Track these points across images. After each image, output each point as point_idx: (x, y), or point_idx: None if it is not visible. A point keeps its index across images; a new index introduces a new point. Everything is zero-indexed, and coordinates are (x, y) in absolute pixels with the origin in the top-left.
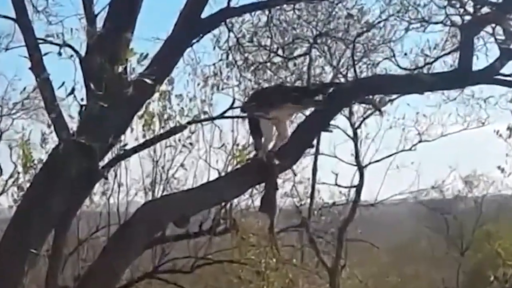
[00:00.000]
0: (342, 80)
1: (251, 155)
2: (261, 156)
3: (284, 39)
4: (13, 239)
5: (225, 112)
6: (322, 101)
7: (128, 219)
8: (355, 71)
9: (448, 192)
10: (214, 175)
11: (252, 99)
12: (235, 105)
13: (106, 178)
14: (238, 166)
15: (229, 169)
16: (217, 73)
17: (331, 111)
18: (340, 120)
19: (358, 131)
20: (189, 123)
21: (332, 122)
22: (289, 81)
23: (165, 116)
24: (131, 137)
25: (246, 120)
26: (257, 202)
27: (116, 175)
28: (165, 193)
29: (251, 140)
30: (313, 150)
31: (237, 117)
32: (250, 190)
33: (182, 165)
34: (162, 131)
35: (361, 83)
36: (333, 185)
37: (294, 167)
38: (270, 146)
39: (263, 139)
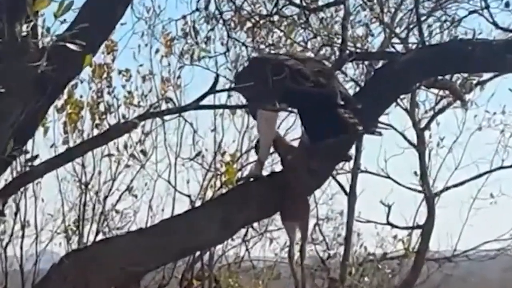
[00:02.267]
0: (399, 47)
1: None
2: (255, 171)
3: None
4: None
5: (201, 97)
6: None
7: (38, 281)
8: (420, 32)
9: None
10: (183, 206)
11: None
12: (219, 87)
13: (2, 214)
14: (224, 189)
15: (209, 195)
16: (189, 33)
17: (380, 100)
18: (396, 115)
19: (426, 134)
20: (141, 117)
21: (381, 119)
22: (310, 48)
23: (102, 107)
24: (45, 143)
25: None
26: (255, 251)
27: (18, 209)
28: (100, 237)
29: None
30: (349, 165)
31: (223, 107)
32: (243, 230)
33: (129, 189)
34: (96, 132)
35: (431, 54)
36: (383, 224)
37: (318, 192)
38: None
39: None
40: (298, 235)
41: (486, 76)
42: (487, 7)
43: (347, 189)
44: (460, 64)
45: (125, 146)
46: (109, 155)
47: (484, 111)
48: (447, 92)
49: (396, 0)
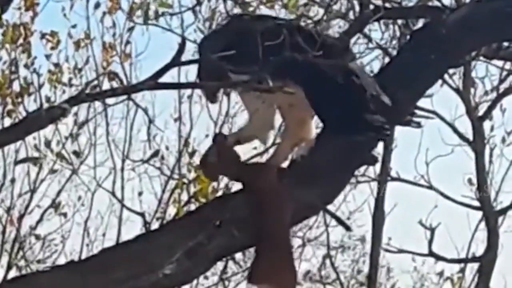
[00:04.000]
0: (448, 0)
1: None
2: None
3: None
4: None
5: (160, 72)
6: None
7: None
8: None
9: None
10: (133, 230)
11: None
12: (186, 57)
13: None
14: (193, 205)
15: (171, 213)
16: None
17: (419, 76)
18: (442, 98)
19: (486, 126)
20: (73, 101)
21: (421, 104)
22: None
23: (16, 86)
24: None
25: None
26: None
27: None
28: (13, 273)
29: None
30: (375, 170)
31: (192, 85)
32: (221, 264)
33: (55, 205)
34: (7, 122)
35: (494, 10)
36: (423, 255)
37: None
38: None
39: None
40: None
41: None
42: None
43: (372, 204)
44: None
45: (48, 143)
46: (26, 160)
47: None
48: None
49: None
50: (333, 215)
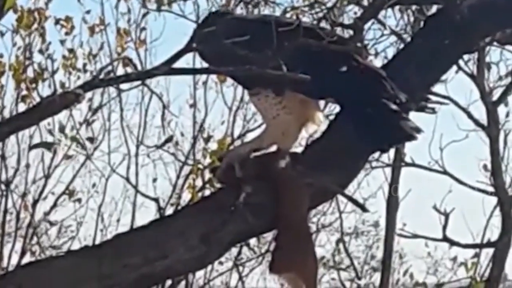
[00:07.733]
0: None
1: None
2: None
3: None
4: None
5: (175, 58)
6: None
7: None
8: None
9: None
10: (147, 215)
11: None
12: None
13: None
14: (208, 191)
15: (186, 198)
16: None
17: (434, 61)
18: (456, 83)
19: (500, 111)
20: (87, 86)
21: (435, 89)
22: None
23: (30, 72)
24: None
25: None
26: (253, 279)
27: None
28: (27, 259)
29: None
30: (388, 156)
31: (207, 71)
32: (235, 250)
33: (69, 191)
34: (21, 107)
35: None
36: (437, 240)
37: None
38: (277, 141)
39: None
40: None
41: None
42: None
43: (386, 189)
44: None
45: (62, 129)
46: (41, 144)
47: None
48: None
49: None
50: (349, 197)
